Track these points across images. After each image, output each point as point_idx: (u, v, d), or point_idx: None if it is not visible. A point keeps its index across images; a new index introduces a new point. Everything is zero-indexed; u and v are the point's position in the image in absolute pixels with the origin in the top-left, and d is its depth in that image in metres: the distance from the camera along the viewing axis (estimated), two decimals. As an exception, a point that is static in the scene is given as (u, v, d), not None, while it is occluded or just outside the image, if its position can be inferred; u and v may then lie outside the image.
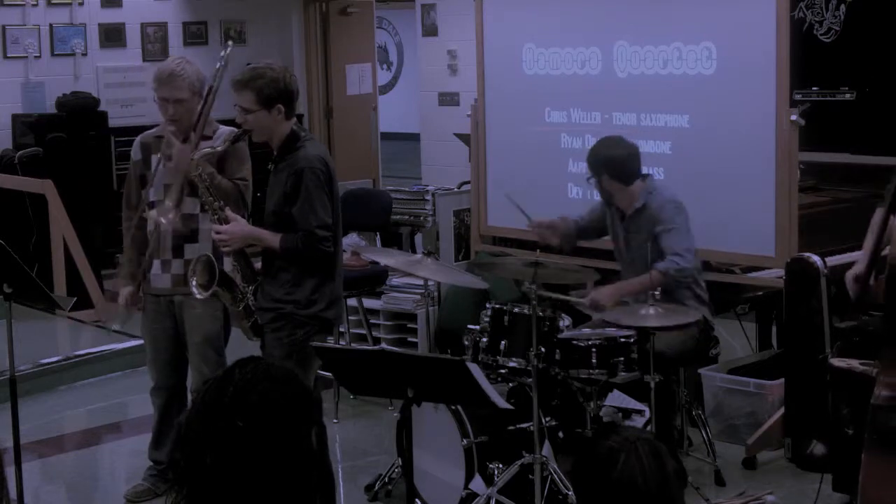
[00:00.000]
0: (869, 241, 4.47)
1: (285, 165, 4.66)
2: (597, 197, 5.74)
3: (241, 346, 4.95)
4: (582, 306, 5.47)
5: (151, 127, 5.50)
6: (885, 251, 4.07)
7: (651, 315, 4.89)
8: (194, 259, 4.88)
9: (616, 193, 5.52)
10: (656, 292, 5.01)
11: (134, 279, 5.34)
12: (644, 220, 5.44)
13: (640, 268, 5.33)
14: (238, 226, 4.74)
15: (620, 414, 5.44)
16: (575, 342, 5.08)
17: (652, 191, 5.49)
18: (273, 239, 4.65)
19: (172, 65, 5.20)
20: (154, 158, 5.25)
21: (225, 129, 5.17)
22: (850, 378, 4.35)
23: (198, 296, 4.81)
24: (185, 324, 5.26)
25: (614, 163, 5.47)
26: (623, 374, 5.11)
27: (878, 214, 4.48)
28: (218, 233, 4.74)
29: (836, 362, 4.19)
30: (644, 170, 5.61)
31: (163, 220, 5.12)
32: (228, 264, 4.91)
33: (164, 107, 5.15)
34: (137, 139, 5.42)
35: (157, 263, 5.24)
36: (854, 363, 4.08)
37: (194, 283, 4.80)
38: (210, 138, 5.16)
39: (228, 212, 4.77)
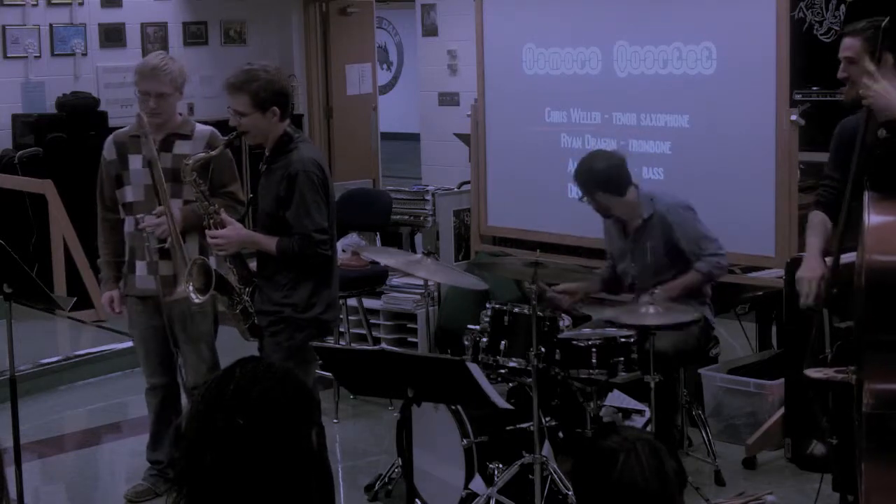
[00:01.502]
0: (813, 242, 4.47)
1: (278, 167, 4.62)
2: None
3: (239, 345, 4.94)
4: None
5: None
6: (850, 257, 4.06)
7: (651, 314, 4.88)
8: (189, 263, 4.81)
9: (613, 206, 5.47)
10: (655, 291, 5.00)
11: (116, 282, 5.29)
12: (655, 228, 5.39)
13: (649, 276, 5.31)
14: (234, 230, 4.70)
15: (620, 414, 5.44)
16: (575, 342, 5.07)
17: (652, 197, 5.44)
18: (269, 243, 4.62)
19: (156, 59, 5.14)
20: (131, 158, 5.16)
21: (204, 129, 5.14)
22: (827, 388, 4.32)
23: (195, 300, 4.76)
24: (175, 323, 5.20)
25: (604, 176, 5.39)
26: (623, 374, 5.10)
27: (817, 217, 4.50)
28: (214, 237, 4.70)
29: (813, 373, 4.12)
30: (644, 170, 5.59)
31: (150, 228, 5.05)
32: (213, 262, 4.86)
33: (144, 101, 5.06)
34: (110, 139, 5.29)
35: (141, 265, 5.17)
36: (830, 372, 4.05)
37: (191, 287, 4.76)
38: (189, 137, 5.12)
39: (224, 216, 4.72)
